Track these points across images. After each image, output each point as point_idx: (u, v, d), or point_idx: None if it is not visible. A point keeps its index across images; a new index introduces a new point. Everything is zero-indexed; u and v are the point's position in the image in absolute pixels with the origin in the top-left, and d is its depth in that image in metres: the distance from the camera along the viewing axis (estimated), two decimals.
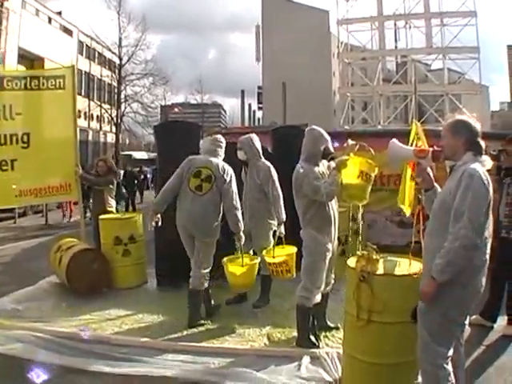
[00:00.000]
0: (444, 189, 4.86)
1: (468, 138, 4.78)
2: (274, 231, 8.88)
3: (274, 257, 8.13)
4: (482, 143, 4.79)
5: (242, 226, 8.21)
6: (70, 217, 22.77)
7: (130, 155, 54.73)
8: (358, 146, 6.86)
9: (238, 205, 8.28)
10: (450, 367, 4.63)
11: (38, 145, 10.71)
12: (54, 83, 10.92)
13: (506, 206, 7.88)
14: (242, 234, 8.21)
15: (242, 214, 8.60)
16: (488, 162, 4.71)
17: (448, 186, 4.73)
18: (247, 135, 9.35)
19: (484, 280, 4.62)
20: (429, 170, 5.17)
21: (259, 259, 8.45)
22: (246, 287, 8.49)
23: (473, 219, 4.38)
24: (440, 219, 4.70)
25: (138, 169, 35.45)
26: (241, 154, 9.13)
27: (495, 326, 8.00)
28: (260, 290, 9.08)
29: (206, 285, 8.34)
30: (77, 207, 13.82)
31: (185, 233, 8.40)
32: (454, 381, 4.64)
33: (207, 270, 8.28)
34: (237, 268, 8.11)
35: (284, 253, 8.14)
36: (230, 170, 8.35)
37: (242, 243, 8.27)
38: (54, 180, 10.91)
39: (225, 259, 8.30)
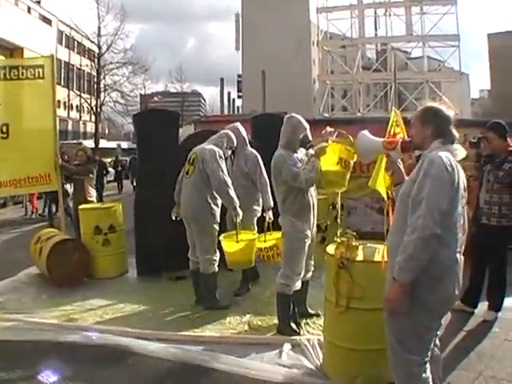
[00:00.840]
0: (406, 180, 4.59)
1: (437, 126, 4.49)
2: (259, 217, 8.98)
3: (265, 241, 8.22)
4: (454, 132, 4.49)
5: (236, 201, 8.07)
6: (33, 212, 22.43)
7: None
8: (336, 133, 6.88)
9: (229, 183, 8.12)
10: (426, 374, 4.31)
11: (18, 135, 10.58)
12: (33, 73, 10.79)
13: (486, 192, 7.86)
14: (238, 209, 8.06)
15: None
16: (460, 152, 4.41)
17: (410, 176, 4.45)
18: (233, 124, 9.34)
19: (457, 283, 4.24)
20: (400, 161, 5.06)
21: (256, 235, 8.41)
22: (243, 265, 8.43)
23: (432, 207, 4.01)
24: (400, 214, 4.39)
25: (113, 159, 35.39)
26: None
27: (476, 311, 8.05)
28: (241, 278, 9.21)
29: (215, 269, 8.40)
30: (41, 201, 13.74)
31: (183, 219, 8.47)
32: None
33: (210, 256, 8.32)
34: (231, 244, 8.03)
35: (273, 237, 8.18)
36: (217, 153, 8.26)
37: (240, 219, 8.10)
38: (34, 170, 10.79)
39: (221, 236, 8.26)
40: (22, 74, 10.71)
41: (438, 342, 4.67)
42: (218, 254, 8.39)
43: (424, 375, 4.27)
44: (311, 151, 6.94)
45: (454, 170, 4.14)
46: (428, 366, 4.33)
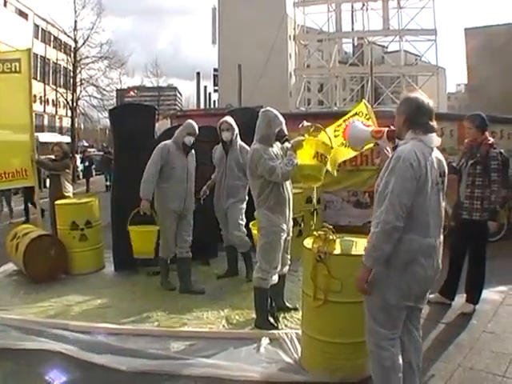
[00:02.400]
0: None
1: (409, 115, 4.69)
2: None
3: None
4: (431, 121, 4.66)
5: (141, 194, 8.61)
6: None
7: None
8: (313, 128, 6.89)
9: (145, 175, 8.68)
10: (394, 349, 4.67)
11: None
12: (9, 66, 10.73)
13: (466, 187, 7.93)
14: (143, 202, 8.59)
15: (222, 191, 9.45)
16: (433, 141, 4.62)
17: (383, 169, 4.68)
18: (227, 117, 9.63)
19: (430, 266, 4.55)
20: (388, 149, 5.13)
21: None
22: (145, 254, 9.18)
23: (394, 202, 4.34)
24: (376, 205, 4.64)
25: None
26: (227, 135, 9.36)
27: (453, 303, 8.13)
28: (246, 266, 9.46)
29: (189, 255, 9.06)
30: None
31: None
32: (399, 363, 4.68)
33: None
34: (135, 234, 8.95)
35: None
36: (160, 146, 8.91)
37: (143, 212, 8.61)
38: (11, 166, 10.78)
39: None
40: None
41: (420, 330, 4.96)
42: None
43: (392, 349, 4.64)
44: (288, 145, 6.95)
45: (420, 164, 4.38)
46: (397, 343, 4.70)
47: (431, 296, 8.15)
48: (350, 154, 7.88)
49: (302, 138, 6.71)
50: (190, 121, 9.17)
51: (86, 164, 34.60)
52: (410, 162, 4.37)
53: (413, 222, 4.43)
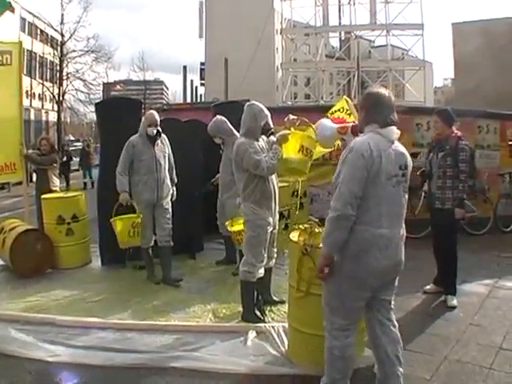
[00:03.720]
0: None
1: (368, 109, 4.85)
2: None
3: (232, 224, 8.46)
4: (388, 114, 4.77)
5: (119, 188, 8.90)
6: None
7: None
8: (299, 121, 6.92)
9: (119, 169, 8.96)
10: (347, 340, 4.78)
11: None
12: (1, 59, 10.70)
13: (438, 178, 8.22)
14: (121, 195, 8.85)
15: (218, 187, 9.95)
16: (392, 133, 4.73)
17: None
18: (213, 120, 9.80)
19: (384, 257, 4.60)
20: None
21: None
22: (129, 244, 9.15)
23: (343, 191, 4.50)
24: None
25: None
26: (217, 140, 9.76)
27: (444, 296, 8.17)
28: (225, 250, 9.91)
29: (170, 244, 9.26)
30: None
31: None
32: (349, 354, 4.82)
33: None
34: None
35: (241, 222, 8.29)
36: (128, 142, 9.06)
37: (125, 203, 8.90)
38: (0, 160, 10.74)
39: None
40: None
41: (394, 321, 4.99)
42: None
43: (344, 340, 4.78)
44: (273, 138, 6.97)
45: (372, 154, 4.51)
46: (350, 335, 4.81)
47: (427, 287, 8.54)
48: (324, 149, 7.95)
49: (288, 131, 6.74)
50: (150, 111, 9.42)
51: (64, 159, 33.26)
52: (362, 153, 4.51)
53: (365, 212, 4.56)
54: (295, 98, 67.04)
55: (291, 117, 6.99)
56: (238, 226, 8.19)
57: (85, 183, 29.41)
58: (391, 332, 4.90)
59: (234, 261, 9.72)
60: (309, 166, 6.88)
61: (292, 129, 6.81)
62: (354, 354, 4.91)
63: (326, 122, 6.92)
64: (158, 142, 9.17)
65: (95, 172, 27.94)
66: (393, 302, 5.03)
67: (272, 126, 7.25)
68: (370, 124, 4.78)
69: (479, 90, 42.71)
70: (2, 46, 11.46)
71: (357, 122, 5.39)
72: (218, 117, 9.85)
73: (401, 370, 4.85)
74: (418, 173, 8.87)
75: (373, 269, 4.60)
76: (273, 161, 6.64)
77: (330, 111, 7.47)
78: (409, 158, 4.86)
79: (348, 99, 7.82)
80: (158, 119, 9.11)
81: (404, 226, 4.85)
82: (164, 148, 9.25)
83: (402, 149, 4.81)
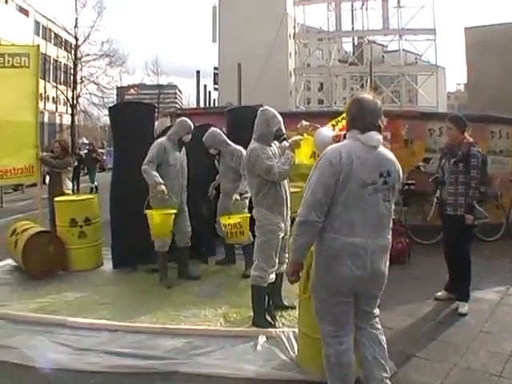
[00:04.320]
0: None
1: (350, 116, 4.85)
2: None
3: (229, 218, 8.75)
4: (370, 119, 4.69)
5: (151, 182, 8.80)
6: None
7: None
8: (311, 127, 6.93)
9: (146, 168, 8.83)
10: (341, 347, 4.76)
11: (4, 125, 10.53)
12: (19, 61, 10.73)
13: (449, 184, 8.17)
14: (159, 186, 8.71)
15: (219, 194, 10.08)
16: (372, 139, 4.62)
17: None
18: (208, 132, 9.93)
19: (355, 266, 4.53)
20: None
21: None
22: (163, 236, 9.01)
23: (308, 197, 4.58)
24: None
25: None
26: (212, 151, 9.91)
27: (455, 303, 8.14)
28: (245, 261, 9.71)
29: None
30: None
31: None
32: (346, 361, 4.77)
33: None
34: (153, 217, 8.75)
35: (238, 216, 8.78)
36: (156, 144, 9.11)
37: (165, 195, 8.77)
38: (20, 162, 10.83)
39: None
40: (8, 61, 10.67)
41: (376, 325, 4.96)
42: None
43: (338, 346, 4.75)
44: (286, 144, 6.99)
45: (341, 161, 4.49)
46: (345, 341, 4.77)
47: (439, 294, 8.48)
48: None
49: (300, 137, 6.75)
50: (185, 119, 9.45)
51: (75, 163, 32.09)
52: (330, 160, 4.52)
53: (335, 220, 4.57)
54: (308, 103, 67.12)
55: (304, 123, 7.00)
56: (233, 220, 8.61)
57: (91, 188, 27.78)
58: (369, 334, 4.88)
59: (232, 261, 10.18)
60: None
61: (305, 135, 6.82)
62: (353, 361, 4.85)
63: (324, 130, 6.95)
64: (183, 148, 9.34)
65: (103, 176, 27.73)
66: (376, 312, 5.01)
67: (284, 131, 7.25)
68: (350, 130, 4.77)
69: (492, 95, 42.57)
70: (20, 48, 11.51)
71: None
72: (213, 128, 10.05)
73: (383, 374, 4.80)
74: (430, 180, 8.88)
75: (344, 277, 4.58)
76: (285, 166, 6.65)
77: (339, 118, 7.48)
78: (395, 165, 4.74)
79: None
80: (193, 127, 9.32)
81: (388, 235, 4.76)
82: (184, 155, 9.41)
83: (387, 155, 4.73)
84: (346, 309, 4.76)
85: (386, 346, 4.91)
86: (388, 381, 4.81)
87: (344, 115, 6.78)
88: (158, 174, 8.79)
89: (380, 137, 4.67)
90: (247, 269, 9.40)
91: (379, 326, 4.96)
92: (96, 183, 27.59)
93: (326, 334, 4.82)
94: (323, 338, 4.87)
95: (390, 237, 4.77)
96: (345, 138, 4.99)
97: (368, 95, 4.85)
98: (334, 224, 4.54)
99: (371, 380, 4.79)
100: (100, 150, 42.68)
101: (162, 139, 9.16)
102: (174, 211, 8.92)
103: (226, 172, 9.86)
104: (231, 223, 8.64)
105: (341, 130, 6.99)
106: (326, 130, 6.70)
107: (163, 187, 8.69)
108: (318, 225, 4.53)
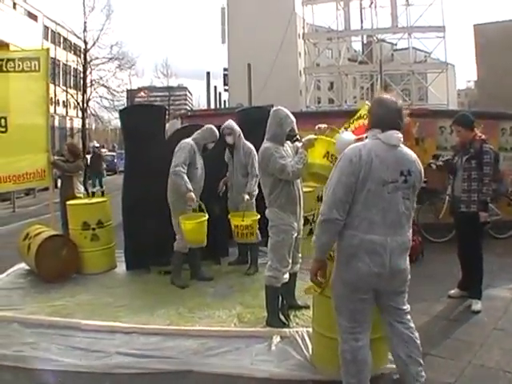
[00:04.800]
0: None
1: (372, 116, 4.97)
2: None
3: (243, 220, 8.87)
4: (391, 119, 4.80)
5: (184, 189, 8.74)
6: None
7: None
8: (328, 130, 6.95)
9: (179, 172, 8.77)
10: (357, 344, 4.85)
11: (15, 129, 10.51)
12: (29, 65, 10.70)
13: (462, 181, 8.16)
14: (188, 195, 8.71)
15: (228, 189, 10.25)
16: (392, 138, 4.73)
17: None
18: (228, 121, 10.03)
19: (373, 263, 4.63)
20: None
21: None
22: (197, 242, 8.95)
23: (329, 195, 4.67)
24: None
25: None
26: (230, 139, 9.90)
27: (469, 301, 8.13)
28: (250, 259, 9.96)
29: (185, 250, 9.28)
30: None
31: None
32: (362, 358, 4.85)
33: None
34: (187, 224, 8.71)
35: (251, 218, 8.91)
36: (184, 145, 9.06)
37: (194, 203, 8.88)
38: (32, 166, 10.80)
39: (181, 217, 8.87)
40: (19, 65, 10.62)
41: (409, 323, 5.01)
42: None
43: (354, 343, 4.85)
44: (299, 144, 6.99)
45: (360, 160, 4.60)
46: (361, 338, 4.87)
47: (452, 291, 8.49)
48: None
49: (314, 136, 6.75)
50: (213, 128, 9.42)
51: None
52: (350, 159, 4.63)
53: (354, 218, 4.67)
54: (319, 102, 67.23)
55: (322, 126, 7.02)
56: (245, 222, 8.79)
57: (93, 192, 24.83)
58: (401, 333, 4.93)
59: (245, 261, 10.13)
60: None
61: (319, 134, 6.84)
62: (369, 358, 4.91)
63: (345, 135, 6.96)
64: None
65: (114, 179, 27.03)
66: (407, 308, 5.05)
67: (297, 132, 7.26)
68: (371, 129, 4.86)
69: (502, 92, 42.50)
70: (30, 53, 11.52)
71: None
72: (230, 120, 10.17)
73: (418, 368, 4.89)
74: (441, 162, 8.89)
75: (362, 273, 4.67)
76: (298, 165, 6.67)
77: (353, 119, 7.48)
78: (416, 164, 4.84)
79: (368, 104, 7.85)
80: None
81: (408, 233, 4.83)
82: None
83: (408, 154, 4.83)
84: (364, 306, 4.84)
85: (419, 342, 4.99)
86: (423, 373, 4.91)
87: (356, 116, 6.82)
88: (188, 180, 8.79)
89: (400, 136, 4.76)
90: (251, 267, 9.79)
91: (411, 324, 5.01)
92: (103, 188, 26.33)
93: (343, 330, 4.89)
94: (340, 334, 4.95)
95: (409, 234, 4.85)
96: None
97: (388, 95, 4.99)
98: (353, 221, 4.65)
99: (406, 375, 4.92)
100: (110, 153, 42.58)
101: (189, 141, 9.15)
102: (206, 217, 8.88)
103: (238, 166, 10.01)
104: (243, 225, 8.79)
105: (354, 131, 7.00)
106: (347, 135, 6.72)
107: (193, 195, 8.72)
108: (340, 223, 4.63)
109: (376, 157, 4.60)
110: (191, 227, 8.68)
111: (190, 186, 8.69)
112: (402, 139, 4.77)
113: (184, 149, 8.96)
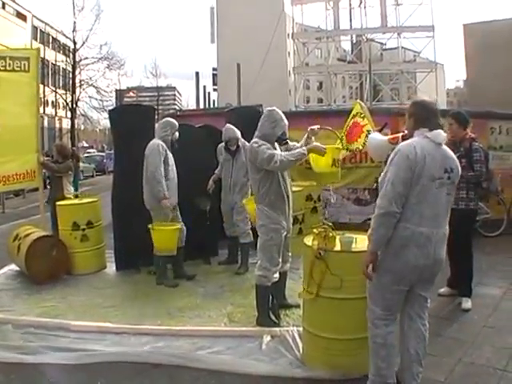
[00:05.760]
0: None
1: (417, 116, 5.13)
2: None
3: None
4: (436, 119, 5.08)
5: (161, 194, 8.87)
6: None
7: None
8: (321, 131, 6.98)
9: (157, 176, 8.86)
10: (387, 329, 5.02)
11: (5, 130, 10.37)
12: (19, 65, 10.58)
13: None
14: (163, 202, 8.86)
15: (230, 188, 10.17)
16: (439, 136, 4.97)
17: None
18: (228, 129, 10.14)
19: (422, 254, 4.84)
20: None
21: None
22: (167, 251, 9.08)
23: (388, 189, 4.78)
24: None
25: None
26: (233, 148, 10.12)
27: (459, 299, 8.17)
28: (240, 258, 10.05)
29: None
30: None
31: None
32: (391, 341, 5.03)
33: None
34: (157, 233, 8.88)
35: None
36: (151, 146, 9.10)
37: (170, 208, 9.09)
38: (22, 167, 10.70)
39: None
40: (9, 64, 10.48)
41: (425, 320, 5.25)
42: None
43: (385, 328, 5.03)
44: (292, 144, 7.02)
45: (416, 156, 4.79)
46: (391, 324, 5.07)
47: (442, 290, 8.49)
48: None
49: (324, 146, 6.78)
50: (168, 119, 9.66)
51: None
52: (407, 154, 4.80)
53: (407, 211, 4.83)
54: (308, 101, 67.24)
55: (314, 127, 7.05)
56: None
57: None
58: (418, 329, 5.14)
59: (235, 261, 10.27)
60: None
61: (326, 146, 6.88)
62: (395, 343, 5.11)
63: (375, 137, 7.02)
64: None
65: (104, 179, 26.74)
66: (429, 300, 5.26)
67: (288, 136, 7.25)
68: (418, 129, 5.05)
69: (491, 91, 42.59)
70: (21, 51, 11.44)
71: (406, 132, 5.58)
72: (229, 125, 10.22)
73: (419, 369, 5.06)
74: None
75: (410, 265, 4.86)
76: (289, 157, 6.69)
77: (349, 119, 7.54)
78: (456, 162, 5.08)
79: (361, 102, 7.89)
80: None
81: (447, 226, 5.10)
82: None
83: (449, 153, 5.07)
84: (400, 297, 5.08)
85: (427, 342, 5.20)
86: (421, 375, 5.10)
87: (355, 112, 6.93)
88: (166, 187, 8.87)
89: (445, 135, 5.07)
90: (241, 266, 9.87)
91: (427, 322, 5.24)
92: (79, 190, 24.45)
93: (376, 317, 5.06)
94: (371, 320, 5.10)
95: (447, 227, 5.13)
96: (403, 138, 5.24)
97: (427, 97, 5.27)
98: (406, 214, 4.82)
99: (407, 372, 5.09)
100: (99, 153, 42.45)
101: (156, 141, 9.17)
102: (179, 226, 9.03)
103: (241, 167, 10.06)
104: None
105: (349, 129, 7.11)
106: (377, 135, 6.84)
107: (168, 203, 8.85)
108: (397, 216, 4.79)
109: (428, 154, 4.83)
110: (162, 235, 8.82)
111: (167, 194, 8.84)
112: (445, 138, 5.07)
113: (155, 151, 9.01)
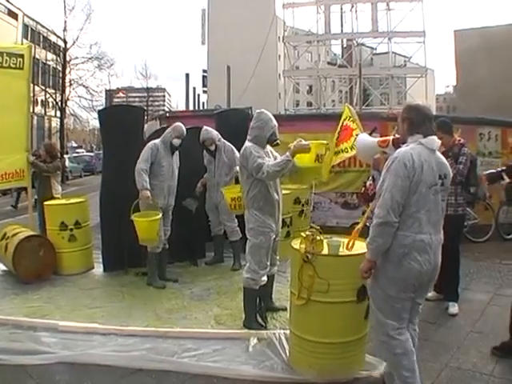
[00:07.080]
0: None
1: (411, 121, 5.06)
2: None
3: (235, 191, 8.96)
4: (429, 125, 5.03)
5: (140, 186, 8.90)
6: None
7: None
8: (309, 145, 6.95)
9: (140, 170, 8.95)
10: (403, 337, 5.00)
11: None
12: (15, 62, 10.54)
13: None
14: (144, 192, 8.87)
15: (214, 187, 10.28)
16: (434, 143, 4.99)
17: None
18: (205, 131, 10.21)
19: (424, 261, 4.85)
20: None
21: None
22: (149, 242, 9.04)
23: (386, 198, 4.76)
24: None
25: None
26: (213, 147, 10.19)
27: (445, 304, 8.18)
28: (233, 256, 10.21)
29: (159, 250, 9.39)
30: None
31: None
32: (410, 348, 5.02)
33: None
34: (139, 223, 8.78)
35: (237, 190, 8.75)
36: (150, 145, 9.25)
37: (149, 200, 8.97)
38: (11, 166, 10.67)
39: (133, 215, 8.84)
40: (6, 61, 10.43)
41: (416, 326, 5.37)
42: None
43: (401, 337, 5.01)
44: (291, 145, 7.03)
45: (414, 164, 4.77)
46: (405, 332, 5.07)
47: (429, 294, 8.36)
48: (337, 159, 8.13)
49: (306, 142, 6.74)
50: (179, 124, 9.47)
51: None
52: (404, 162, 4.77)
53: (407, 219, 4.83)
54: (297, 105, 67.22)
55: (302, 142, 6.98)
56: (232, 193, 9.09)
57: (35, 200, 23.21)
58: (413, 338, 5.21)
59: (221, 260, 10.53)
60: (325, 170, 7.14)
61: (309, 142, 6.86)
62: (414, 349, 5.10)
63: (364, 138, 7.03)
64: (176, 152, 9.44)
65: (92, 179, 26.88)
66: (421, 306, 5.34)
67: (278, 136, 7.23)
68: (413, 135, 5.02)
69: (480, 97, 42.78)
70: (15, 48, 11.37)
71: (397, 135, 5.60)
72: (206, 127, 10.33)
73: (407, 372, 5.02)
74: None
75: (415, 272, 4.86)
76: (275, 168, 6.64)
77: (340, 123, 7.56)
78: (449, 168, 5.12)
79: (350, 106, 7.92)
80: (185, 133, 9.39)
81: (442, 231, 5.13)
82: (177, 159, 9.55)
83: (442, 159, 5.09)
84: (409, 304, 5.08)
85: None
86: (410, 380, 5.05)
87: (345, 116, 6.92)
88: (147, 179, 8.91)
89: (439, 141, 5.08)
90: (235, 263, 10.02)
91: (417, 327, 5.40)
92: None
93: (390, 329, 5.02)
94: (385, 334, 5.06)
95: (442, 232, 5.15)
96: (394, 142, 5.26)
97: (422, 102, 5.26)
98: (406, 222, 4.83)
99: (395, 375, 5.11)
100: (88, 153, 42.42)
101: (156, 140, 9.29)
102: (159, 216, 8.94)
103: (222, 167, 10.22)
104: (235, 197, 9.00)
105: (341, 132, 7.12)
106: (365, 136, 6.83)
107: (148, 193, 8.83)
108: (396, 225, 4.79)
109: (424, 161, 4.83)
110: (144, 225, 8.76)
111: (146, 185, 8.85)
112: (439, 145, 5.08)
113: (147, 148, 9.17)
